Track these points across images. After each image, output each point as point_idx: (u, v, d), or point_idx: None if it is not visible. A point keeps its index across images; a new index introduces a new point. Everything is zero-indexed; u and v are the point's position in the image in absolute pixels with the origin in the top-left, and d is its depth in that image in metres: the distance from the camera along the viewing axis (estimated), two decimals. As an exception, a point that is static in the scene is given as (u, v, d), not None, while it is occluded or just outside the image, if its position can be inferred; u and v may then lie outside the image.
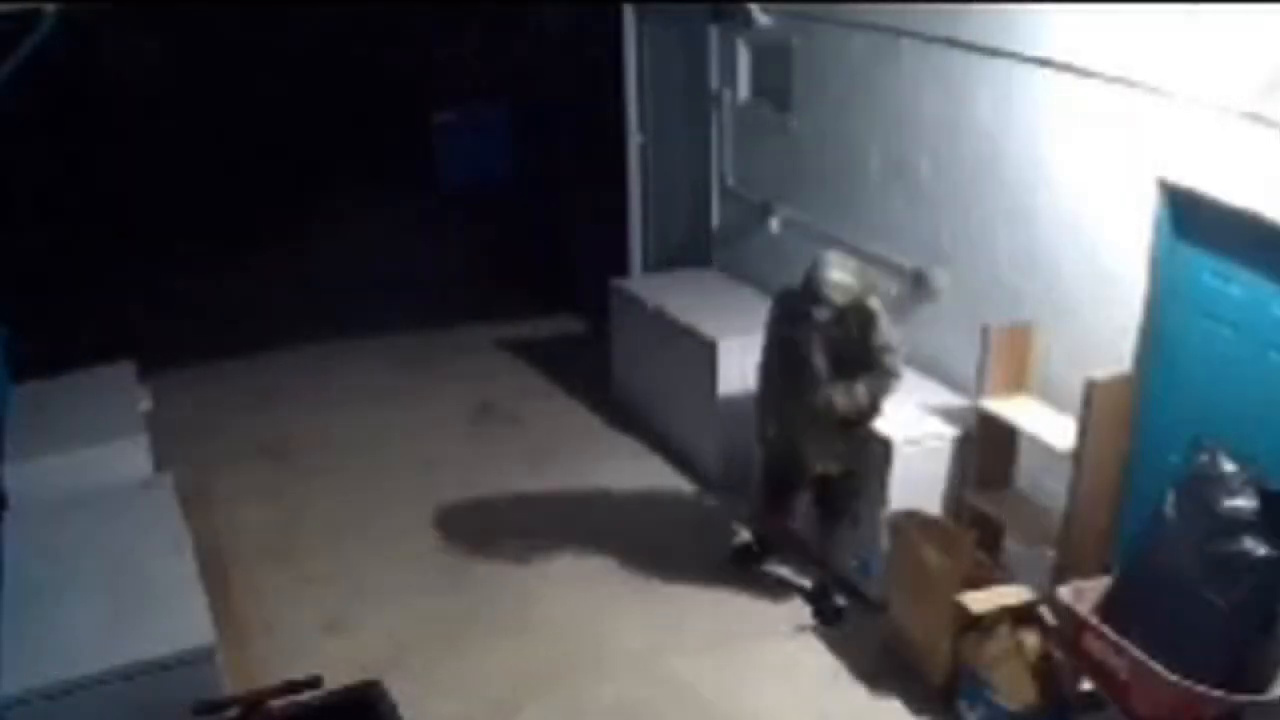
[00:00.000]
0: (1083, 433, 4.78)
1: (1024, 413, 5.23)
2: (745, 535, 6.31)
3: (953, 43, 5.61)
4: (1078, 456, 4.82)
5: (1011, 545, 5.44)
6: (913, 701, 5.08)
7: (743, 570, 6.09)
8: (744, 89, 7.66)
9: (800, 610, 5.77)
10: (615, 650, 5.54)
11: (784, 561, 6.10)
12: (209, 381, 8.48)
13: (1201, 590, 3.96)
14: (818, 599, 5.74)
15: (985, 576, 4.96)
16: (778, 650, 5.51)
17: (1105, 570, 4.64)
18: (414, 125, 11.93)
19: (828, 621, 5.65)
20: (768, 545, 6.15)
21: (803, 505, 5.82)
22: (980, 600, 4.80)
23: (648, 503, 6.90)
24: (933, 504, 5.54)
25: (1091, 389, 4.71)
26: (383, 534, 6.58)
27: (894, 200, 6.28)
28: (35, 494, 5.41)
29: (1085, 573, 4.64)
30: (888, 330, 5.23)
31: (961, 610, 4.80)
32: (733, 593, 5.94)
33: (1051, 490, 5.16)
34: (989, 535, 5.36)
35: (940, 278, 5.98)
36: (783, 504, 5.88)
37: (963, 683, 4.86)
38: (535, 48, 11.45)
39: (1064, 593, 4.44)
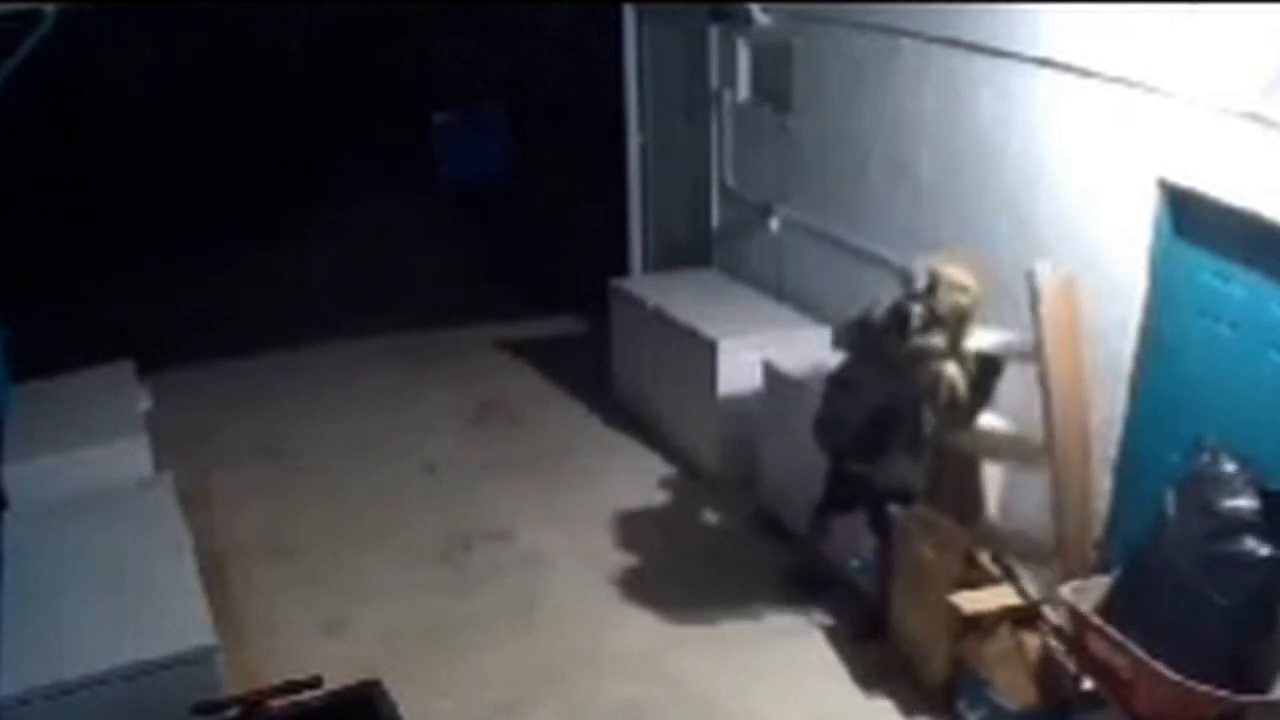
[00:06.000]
0: (1039, 338, 4.69)
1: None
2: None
3: (953, 43, 5.61)
4: (1042, 373, 4.72)
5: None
6: (913, 701, 5.07)
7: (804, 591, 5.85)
8: (744, 89, 7.66)
9: (800, 610, 5.76)
10: (616, 650, 5.53)
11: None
12: (208, 381, 8.48)
13: (1203, 590, 3.95)
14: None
15: (985, 577, 4.96)
16: (778, 650, 5.51)
17: (1104, 566, 4.64)
18: (414, 125, 11.93)
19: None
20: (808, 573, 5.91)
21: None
22: (974, 600, 4.80)
23: (648, 502, 6.89)
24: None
25: (1032, 280, 4.65)
26: (383, 534, 6.58)
27: (894, 200, 6.28)
28: (35, 494, 5.42)
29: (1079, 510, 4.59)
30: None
31: (957, 610, 4.80)
32: (733, 593, 5.93)
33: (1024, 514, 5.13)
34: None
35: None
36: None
37: (964, 683, 4.86)
38: (535, 48, 11.46)
39: (1065, 592, 4.44)
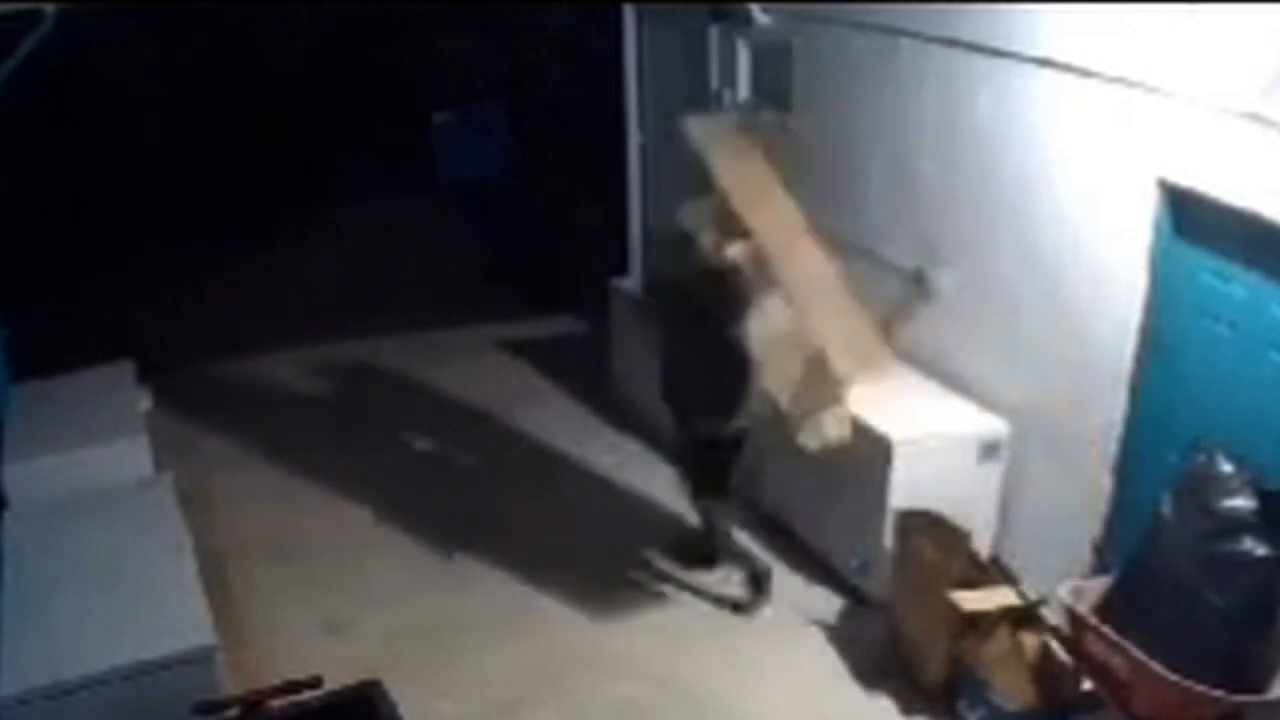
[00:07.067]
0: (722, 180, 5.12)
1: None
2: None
3: (952, 43, 5.61)
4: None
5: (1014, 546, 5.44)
6: (912, 701, 5.08)
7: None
8: (744, 89, 7.65)
9: (800, 610, 5.77)
10: (615, 650, 5.54)
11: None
12: (209, 381, 8.49)
13: (1201, 590, 3.95)
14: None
15: (985, 577, 4.96)
16: (778, 650, 5.51)
17: (1103, 566, 4.64)
18: (414, 125, 11.93)
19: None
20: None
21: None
22: (973, 599, 4.80)
23: (648, 503, 6.89)
24: (931, 505, 5.54)
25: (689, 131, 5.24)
26: (383, 534, 6.58)
27: (893, 200, 6.28)
28: (35, 494, 5.42)
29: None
30: None
31: (956, 609, 4.80)
32: (733, 593, 5.94)
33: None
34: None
35: (942, 278, 5.97)
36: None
37: (963, 683, 4.86)
38: (535, 48, 11.46)
39: (1064, 593, 4.44)
